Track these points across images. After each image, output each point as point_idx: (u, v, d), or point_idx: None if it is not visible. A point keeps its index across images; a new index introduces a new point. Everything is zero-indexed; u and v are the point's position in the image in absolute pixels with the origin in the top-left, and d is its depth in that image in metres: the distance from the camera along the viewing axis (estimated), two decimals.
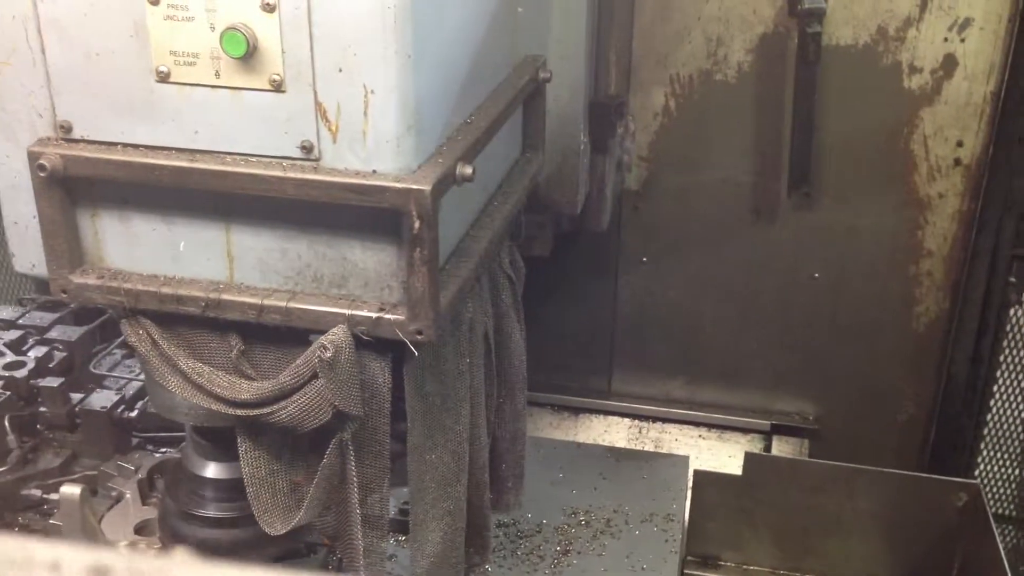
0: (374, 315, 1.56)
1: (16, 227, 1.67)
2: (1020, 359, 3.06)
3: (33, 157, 1.53)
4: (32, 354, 2.58)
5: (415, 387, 1.70)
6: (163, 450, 2.47)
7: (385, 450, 1.71)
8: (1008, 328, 3.01)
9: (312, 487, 1.68)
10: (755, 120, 2.96)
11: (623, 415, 3.45)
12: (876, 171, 2.95)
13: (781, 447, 3.26)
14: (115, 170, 1.54)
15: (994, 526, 2.60)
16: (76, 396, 2.51)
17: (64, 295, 1.63)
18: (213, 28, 1.45)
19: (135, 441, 2.51)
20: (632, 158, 2.97)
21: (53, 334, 2.69)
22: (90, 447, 2.47)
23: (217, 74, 1.48)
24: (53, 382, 2.48)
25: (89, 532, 2.05)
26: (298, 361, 1.57)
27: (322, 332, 1.56)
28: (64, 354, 2.62)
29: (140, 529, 2.21)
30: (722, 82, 2.94)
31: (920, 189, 2.95)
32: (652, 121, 3.03)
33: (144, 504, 2.27)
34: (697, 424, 3.40)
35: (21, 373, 2.49)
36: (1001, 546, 2.53)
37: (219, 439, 1.86)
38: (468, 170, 1.57)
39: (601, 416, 3.46)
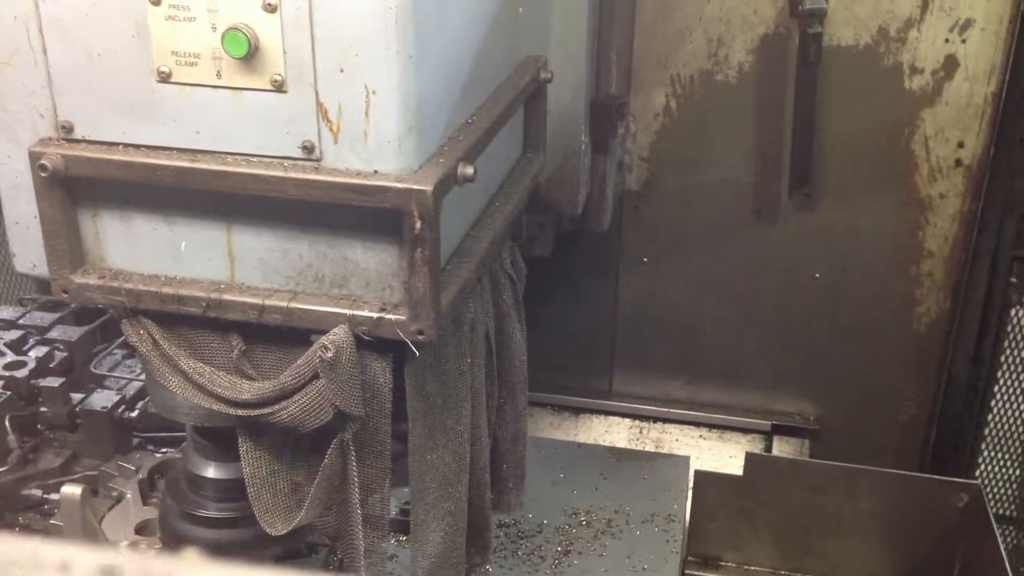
0: (375, 315, 1.56)
1: (17, 227, 1.67)
2: (1021, 360, 3.06)
3: (34, 157, 1.53)
4: (33, 354, 2.58)
5: (416, 387, 1.70)
6: (164, 450, 2.47)
7: (386, 450, 1.71)
8: (1009, 329, 3.01)
9: (313, 487, 1.68)
10: (756, 120, 2.96)
11: (624, 415, 3.45)
12: (877, 172, 2.95)
13: (782, 447, 3.27)
14: (116, 170, 1.53)
15: (995, 526, 2.60)
16: (77, 396, 2.50)
17: (65, 295, 1.63)
18: (214, 28, 1.45)
19: (136, 441, 2.51)
20: (633, 158, 2.97)
21: (54, 334, 2.69)
22: (91, 447, 2.46)
23: (218, 74, 1.48)
24: (54, 382, 2.47)
25: (90, 532, 2.05)
26: (299, 361, 1.57)
27: (323, 332, 1.56)
28: (65, 354, 2.62)
29: (141, 529, 2.21)
30: (723, 82, 2.94)
31: (921, 190, 2.95)
32: (653, 121, 3.03)
33: (145, 504, 2.27)
34: (698, 424, 3.40)
35: (22, 373, 2.49)
36: (1002, 546, 2.53)
37: (220, 439, 1.86)
38: (469, 170, 1.57)
39: (602, 416, 3.46)
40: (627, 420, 3.44)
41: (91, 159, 1.53)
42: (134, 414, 2.47)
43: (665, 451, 3.23)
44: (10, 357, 2.56)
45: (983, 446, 3.17)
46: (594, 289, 3.30)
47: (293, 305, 1.58)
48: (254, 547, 1.90)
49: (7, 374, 2.48)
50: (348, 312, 1.56)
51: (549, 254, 2.64)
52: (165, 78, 1.50)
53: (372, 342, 1.58)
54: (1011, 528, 3.19)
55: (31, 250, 1.67)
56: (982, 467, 3.19)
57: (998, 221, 2.90)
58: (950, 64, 2.80)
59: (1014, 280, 2.94)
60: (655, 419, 3.43)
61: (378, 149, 1.48)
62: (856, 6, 2.79)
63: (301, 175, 1.49)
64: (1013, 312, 2.99)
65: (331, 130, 1.49)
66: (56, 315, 2.77)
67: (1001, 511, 3.20)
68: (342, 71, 1.45)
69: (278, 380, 1.59)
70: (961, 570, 2.76)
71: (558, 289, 3.27)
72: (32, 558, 0.47)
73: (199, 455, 1.93)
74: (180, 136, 1.53)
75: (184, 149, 1.53)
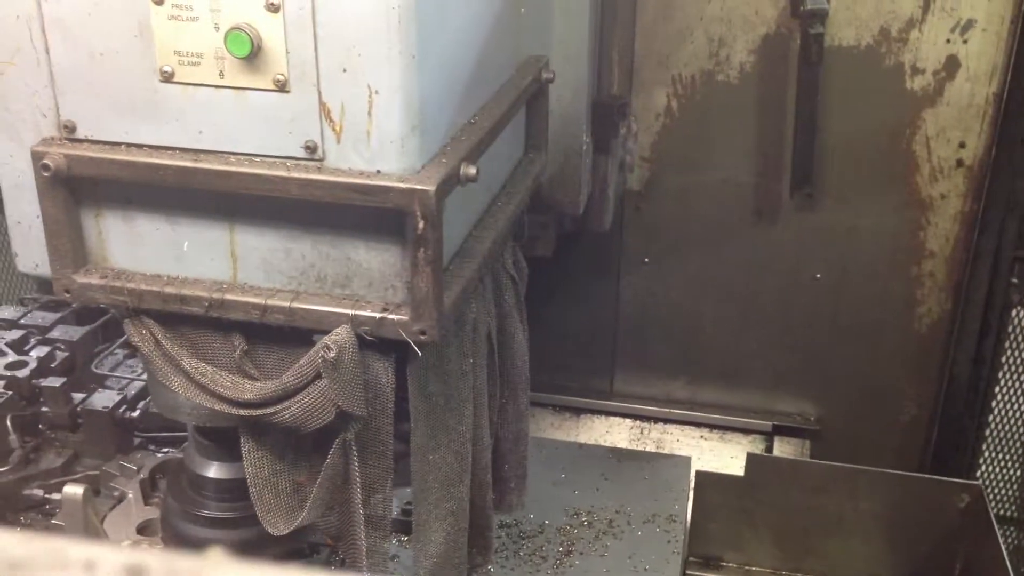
0: (378, 315, 1.56)
1: (19, 227, 1.67)
2: (1022, 360, 3.06)
3: (37, 157, 1.53)
4: (34, 354, 2.58)
5: (418, 387, 1.70)
6: (165, 450, 2.47)
7: (388, 450, 1.71)
8: (1010, 329, 3.01)
9: (315, 487, 1.68)
10: (757, 121, 2.96)
11: (625, 416, 3.45)
12: (878, 172, 2.95)
13: (783, 448, 3.26)
14: (119, 170, 1.53)
15: (996, 527, 2.60)
16: (78, 396, 2.51)
17: (67, 295, 1.63)
18: (217, 28, 1.45)
19: (137, 441, 2.51)
20: (634, 159, 2.96)
21: (55, 334, 2.69)
22: (92, 447, 2.47)
23: (221, 74, 1.48)
24: (55, 382, 2.48)
25: (91, 532, 2.05)
26: (301, 361, 1.57)
27: (326, 332, 1.56)
28: (66, 354, 2.62)
29: (142, 529, 2.21)
30: (724, 83, 2.94)
31: (922, 190, 2.95)
32: (654, 122, 3.03)
33: (146, 504, 2.27)
34: (699, 425, 3.40)
35: (23, 373, 2.49)
36: (1003, 547, 2.53)
37: (222, 439, 1.86)
38: (472, 170, 1.57)
39: (603, 417, 3.46)
40: (628, 420, 3.44)
41: (94, 159, 1.53)
42: (135, 414, 2.47)
43: (666, 451, 3.23)
44: (11, 357, 2.56)
45: (984, 446, 3.17)
46: (595, 289, 3.30)
47: (295, 305, 1.58)
48: (256, 547, 1.90)
49: (8, 374, 2.48)
50: (351, 312, 1.56)
51: (550, 254, 2.64)
52: (168, 78, 1.50)
53: (374, 342, 1.58)
54: (1012, 529, 3.19)
55: (33, 250, 1.67)
56: (983, 467, 3.19)
57: (999, 222, 2.90)
58: (951, 64, 2.80)
59: (1015, 280, 2.94)
60: (656, 419, 3.43)
61: (381, 149, 1.48)
62: (857, 6, 2.79)
63: (304, 175, 1.49)
64: (1014, 312, 2.99)
65: (334, 130, 1.49)
66: (57, 315, 2.78)
67: (1002, 512, 3.20)
68: (345, 71, 1.45)
69: (280, 380, 1.59)
70: (962, 571, 2.76)
71: (559, 289, 3.27)
72: (57, 557, 0.46)
73: (201, 455, 1.94)
74: (183, 136, 1.53)
75: (187, 149, 1.53)
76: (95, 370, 2.62)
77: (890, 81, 2.85)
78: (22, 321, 2.75)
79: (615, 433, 3.39)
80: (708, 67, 2.94)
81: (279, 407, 1.59)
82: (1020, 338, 3.03)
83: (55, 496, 2.30)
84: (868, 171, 2.95)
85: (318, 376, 1.55)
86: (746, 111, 2.95)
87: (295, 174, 1.49)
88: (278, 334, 1.63)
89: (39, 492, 2.36)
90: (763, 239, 3.10)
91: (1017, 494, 3.19)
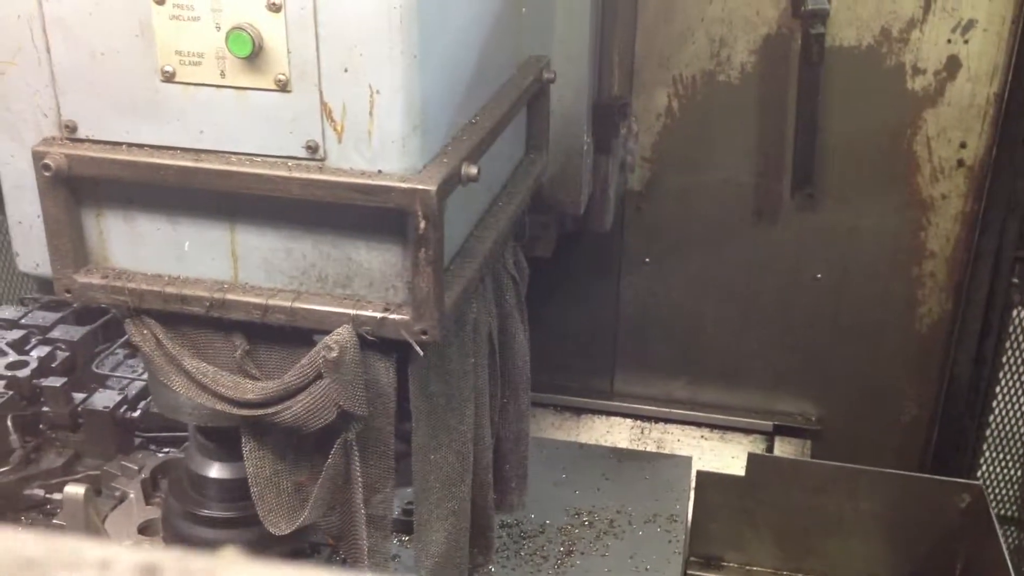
0: (379, 315, 1.56)
1: (20, 226, 1.67)
2: (1022, 360, 3.06)
3: (38, 157, 1.53)
4: (35, 354, 2.58)
5: (420, 387, 1.70)
6: (166, 450, 2.47)
7: (390, 450, 1.71)
8: (1011, 329, 3.01)
9: (316, 487, 1.68)
10: (758, 121, 2.96)
11: (625, 415, 3.45)
12: (879, 172, 2.95)
13: (783, 448, 3.26)
14: (120, 170, 1.53)
15: (997, 527, 2.60)
16: (79, 396, 2.51)
17: (68, 295, 1.63)
18: (219, 28, 1.45)
19: (138, 441, 2.51)
20: (635, 159, 2.96)
21: (55, 334, 2.69)
22: (93, 447, 2.47)
23: (222, 74, 1.48)
24: (56, 382, 2.47)
25: (93, 532, 2.05)
26: (303, 361, 1.57)
27: (327, 332, 1.56)
28: (67, 354, 2.62)
29: (144, 529, 2.21)
30: (725, 83, 2.94)
31: (923, 190, 2.95)
32: (655, 122, 3.03)
33: (148, 504, 2.27)
34: (699, 425, 3.40)
35: (24, 373, 2.49)
36: (1004, 547, 2.53)
37: (223, 439, 1.86)
38: (473, 170, 1.57)
39: (603, 416, 3.46)
40: (628, 420, 3.44)
41: (95, 159, 1.53)
42: (136, 414, 2.47)
43: (667, 451, 3.23)
44: (12, 357, 2.56)
45: (985, 447, 3.17)
46: (596, 289, 3.30)
47: (297, 305, 1.58)
48: (257, 547, 1.89)
49: (9, 374, 2.48)
50: (352, 312, 1.56)
51: (551, 254, 2.64)
52: (169, 78, 1.50)
53: (376, 342, 1.58)
54: (1013, 529, 3.19)
55: (34, 250, 1.67)
56: (984, 467, 3.19)
57: (1000, 222, 2.90)
58: (952, 65, 2.80)
59: (1016, 281, 2.94)
60: (657, 419, 3.43)
61: (382, 149, 1.48)
62: (858, 7, 2.79)
63: (305, 175, 1.49)
64: (1015, 313, 2.99)
65: (335, 130, 1.49)
66: (58, 315, 2.78)
67: (1003, 512, 3.20)
68: (346, 71, 1.45)
69: (282, 380, 1.59)
70: (963, 571, 2.76)
71: (560, 289, 3.27)
72: (71, 556, 0.46)
73: (202, 455, 1.94)
74: (184, 136, 1.53)
75: (188, 149, 1.53)
76: (96, 370, 2.62)
77: (891, 81, 2.85)
78: (23, 321, 2.75)
79: (616, 433, 3.39)
80: (709, 67, 2.94)
81: (280, 407, 1.59)
82: (1021, 338, 3.03)
83: (56, 496, 2.30)
84: (869, 171, 2.95)
85: (319, 376, 1.55)
86: (747, 111, 2.95)
87: (296, 174, 1.49)
88: (279, 334, 1.63)
89: (40, 492, 2.36)
90: (764, 239, 3.10)
91: (1018, 494, 3.19)
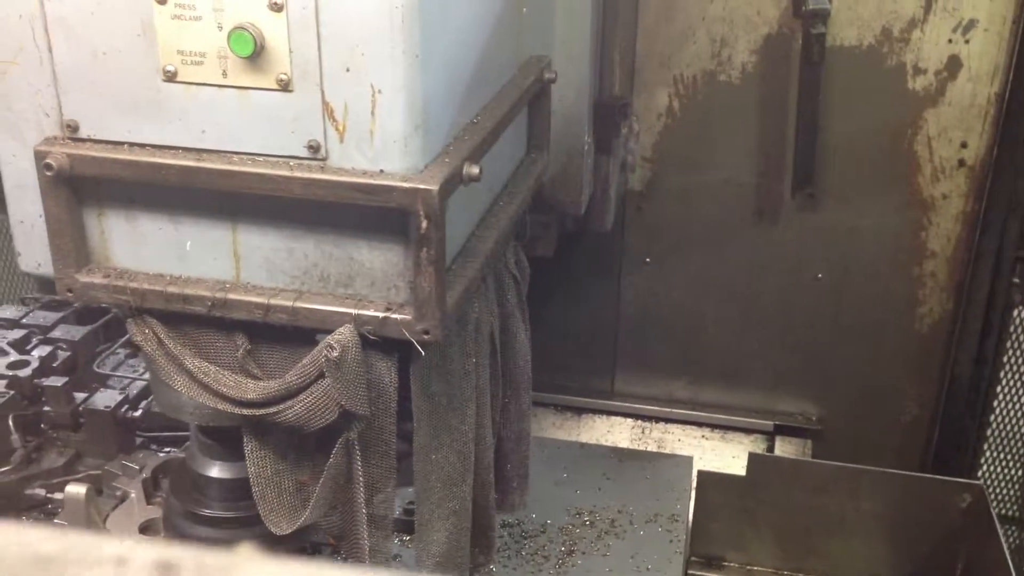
0: (381, 315, 1.56)
1: (22, 226, 1.67)
2: (1023, 360, 3.06)
3: (40, 156, 1.53)
4: (36, 353, 2.59)
5: (421, 387, 1.70)
6: (167, 450, 2.47)
7: (391, 450, 1.71)
8: (1012, 329, 3.01)
9: (318, 487, 1.68)
10: (759, 121, 2.96)
11: (626, 415, 3.45)
12: (880, 172, 2.95)
13: (784, 448, 3.26)
14: (122, 169, 1.54)
15: (999, 527, 2.60)
16: (80, 395, 2.51)
17: (70, 294, 1.63)
18: (220, 27, 1.45)
19: (139, 441, 2.51)
20: (636, 159, 2.96)
21: (57, 333, 2.69)
22: (94, 446, 2.47)
23: (224, 73, 1.48)
24: (57, 381, 2.48)
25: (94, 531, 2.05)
26: (305, 360, 1.57)
27: (328, 332, 1.56)
28: (68, 353, 2.62)
29: (145, 529, 2.21)
30: (726, 83, 2.94)
31: (924, 190, 2.95)
32: (656, 122, 3.03)
33: (149, 504, 2.27)
34: (700, 425, 3.40)
35: (25, 372, 2.49)
36: (1006, 547, 2.53)
37: (224, 439, 1.86)
38: (475, 170, 1.57)
39: (604, 416, 3.46)
40: (629, 420, 3.44)
41: (96, 158, 1.53)
42: (137, 413, 2.47)
43: (667, 451, 3.23)
44: (13, 356, 2.56)
45: (985, 446, 3.17)
46: (596, 289, 3.30)
47: (298, 304, 1.58)
48: (258, 547, 1.89)
49: (10, 373, 2.49)
50: (353, 312, 1.56)
51: (552, 254, 2.64)
52: (171, 77, 1.50)
53: (377, 342, 1.58)
54: (1014, 529, 3.19)
55: (36, 249, 1.67)
56: (984, 467, 3.19)
57: (1001, 222, 2.90)
58: (953, 64, 2.80)
59: (1017, 280, 2.94)
60: (657, 419, 3.43)
61: (384, 148, 1.48)
62: (859, 6, 2.79)
63: (307, 174, 1.49)
64: (1016, 313, 2.99)
65: (337, 129, 1.49)
66: (59, 314, 2.78)
67: (1004, 511, 3.20)
68: (348, 70, 1.45)
69: (283, 379, 1.59)
70: (964, 571, 2.76)
71: (560, 289, 3.27)
72: (88, 553, 0.47)
73: (203, 454, 1.93)
74: (185, 135, 1.53)
75: (189, 148, 1.53)
76: (97, 370, 2.62)
77: (892, 81, 2.85)
78: (24, 320, 2.75)
79: (616, 433, 3.39)
80: (710, 67, 2.94)
81: (282, 406, 1.59)
82: (1022, 338, 3.03)
83: (57, 496, 2.30)
84: (870, 171, 2.95)
85: (321, 375, 1.56)
86: (748, 111, 2.95)
87: (298, 174, 1.49)
88: (281, 333, 1.63)
89: (41, 492, 2.36)
90: (764, 239, 3.10)
91: (1019, 494, 3.19)
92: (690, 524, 2.79)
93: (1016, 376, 3.07)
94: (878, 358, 3.18)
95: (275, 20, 1.44)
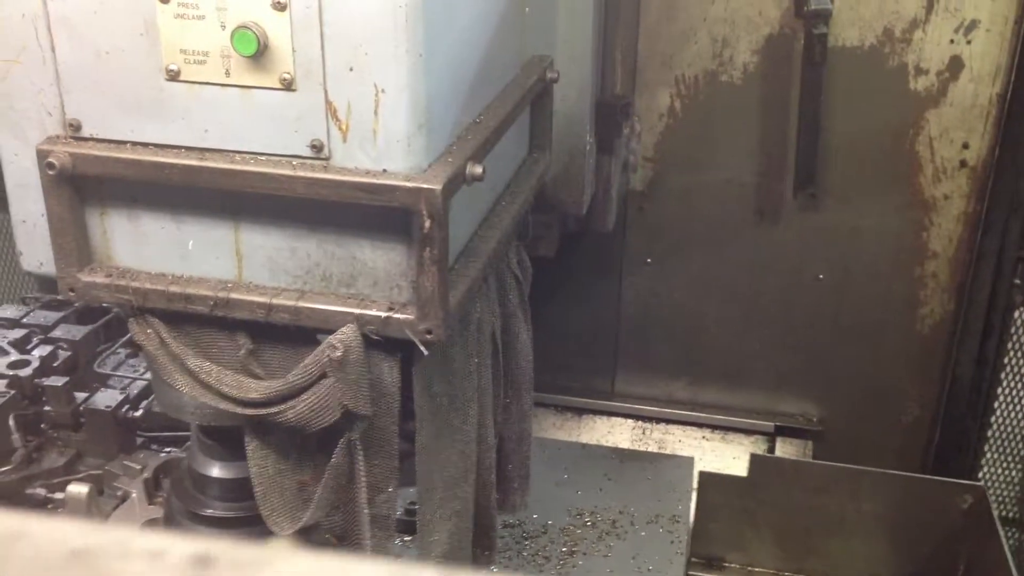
0: (383, 314, 1.55)
1: (24, 225, 1.67)
2: None
3: (42, 155, 1.53)
4: (36, 353, 2.58)
5: (424, 387, 1.70)
6: (168, 449, 2.47)
7: (393, 450, 1.71)
8: (1013, 330, 3.01)
9: (320, 487, 1.68)
10: (760, 121, 2.96)
11: (626, 416, 3.45)
12: (881, 172, 2.95)
13: (785, 448, 3.26)
14: (124, 168, 1.53)
15: (1000, 528, 2.60)
16: (80, 395, 2.50)
17: (72, 294, 1.63)
18: (224, 27, 1.45)
19: (139, 440, 2.51)
20: (637, 159, 2.96)
21: (57, 333, 2.69)
22: (94, 446, 2.46)
23: (227, 73, 1.48)
24: (57, 381, 2.47)
25: None
26: (307, 360, 1.57)
27: (331, 331, 1.56)
28: (68, 353, 2.62)
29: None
30: (727, 83, 2.94)
31: (925, 191, 2.95)
32: (657, 122, 3.03)
33: (150, 504, 2.27)
34: (701, 425, 3.39)
35: (25, 372, 2.49)
36: (1007, 548, 2.53)
37: (226, 439, 1.86)
38: (478, 169, 1.57)
39: (604, 417, 3.45)
40: (630, 421, 3.44)
41: (99, 157, 1.53)
42: (138, 413, 2.47)
43: (668, 452, 3.23)
44: (14, 356, 2.56)
45: (986, 447, 3.17)
46: (597, 289, 3.30)
47: (301, 304, 1.57)
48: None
49: (11, 373, 2.48)
50: (356, 311, 1.56)
51: (553, 254, 2.64)
52: (174, 76, 1.49)
53: (380, 341, 1.58)
54: (1015, 530, 3.18)
55: (38, 248, 1.66)
56: (985, 468, 3.18)
57: (1003, 222, 2.90)
58: (955, 65, 2.80)
59: (1018, 281, 2.93)
60: (658, 420, 3.42)
61: (387, 148, 1.48)
62: (861, 7, 2.79)
63: (310, 174, 1.49)
64: (1017, 313, 2.99)
65: (340, 129, 1.49)
66: (60, 314, 2.77)
67: (1005, 513, 3.20)
68: (351, 70, 1.45)
69: (286, 379, 1.59)
70: (965, 572, 2.76)
71: (561, 289, 3.27)
72: (123, 546, 0.46)
73: (205, 454, 1.93)
74: (188, 134, 1.53)
75: (192, 147, 1.53)
76: (97, 369, 2.62)
77: (893, 81, 2.84)
78: (24, 320, 2.75)
79: (617, 433, 3.38)
80: (711, 67, 2.94)
81: (284, 406, 1.59)
82: (1023, 339, 3.03)
83: (58, 495, 2.30)
84: (871, 171, 2.95)
85: (324, 375, 1.55)
86: (749, 111, 2.95)
87: (301, 173, 1.49)
88: (283, 333, 1.63)
89: (42, 491, 2.35)
90: (766, 239, 3.10)
91: (1020, 495, 3.19)
92: (691, 525, 2.79)
93: (1017, 377, 3.07)
94: (879, 359, 3.17)
95: (278, 19, 1.44)
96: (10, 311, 2.80)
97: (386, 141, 1.48)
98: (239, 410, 1.62)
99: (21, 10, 1.50)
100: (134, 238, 1.63)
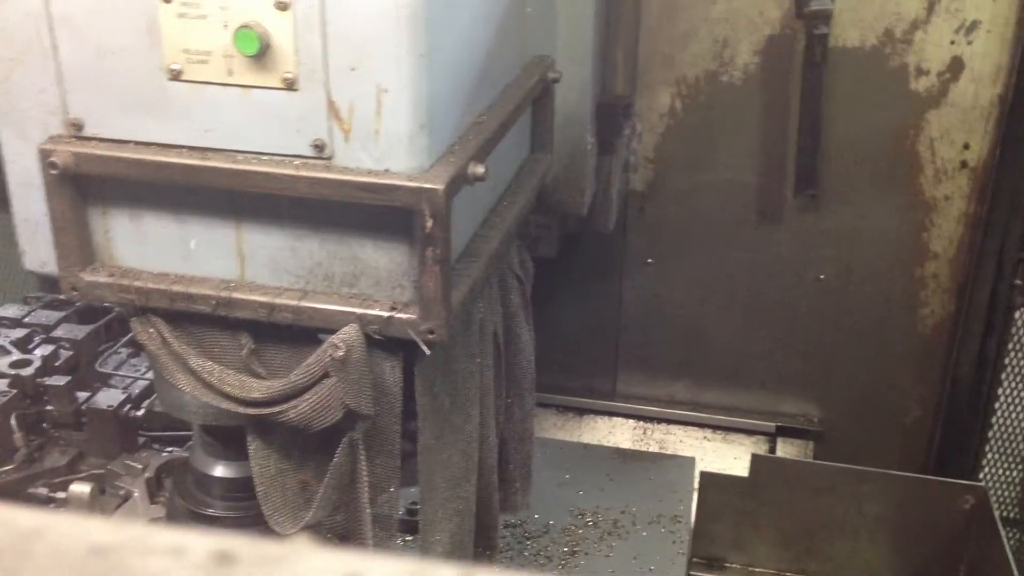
0: (385, 314, 1.55)
1: (26, 225, 1.67)
2: None
3: (44, 155, 1.53)
4: (38, 352, 2.59)
5: (426, 387, 1.70)
6: (169, 449, 2.47)
7: (395, 449, 1.71)
8: (1014, 331, 3.01)
9: (322, 487, 1.68)
10: (761, 122, 2.96)
11: (627, 416, 3.45)
12: (882, 173, 2.95)
13: (786, 449, 3.26)
14: (126, 168, 1.53)
15: (1001, 529, 2.60)
16: (82, 395, 2.51)
17: (74, 293, 1.63)
18: (226, 26, 1.45)
19: (141, 440, 2.51)
20: (638, 159, 2.96)
21: (59, 332, 2.69)
22: (96, 446, 2.47)
23: (229, 72, 1.48)
24: (59, 380, 2.48)
25: None
26: (309, 360, 1.57)
27: (333, 331, 1.56)
28: (70, 352, 2.62)
29: None
30: (728, 84, 2.94)
31: (926, 191, 2.95)
32: (658, 122, 3.03)
33: (152, 503, 2.27)
34: (702, 426, 3.39)
35: (27, 371, 2.49)
36: (1008, 549, 2.53)
37: (228, 438, 1.86)
38: (480, 169, 1.57)
39: (605, 417, 3.46)
40: (631, 421, 3.44)
41: (101, 157, 1.53)
42: (140, 413, 2.47)
43: (669, 452, 3.23)
44: (16, 355, 2.56)
45: (987, 448, 3.17)
46: (598, 290, 3.30)
47: (303, 304, 1.58)
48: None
49: (13, 372, 2.48)
50: (358, 311, 1.56)
51: (554, 254, 2.64)
52: (176, 76, 1.50)
53: (382, 341, 1.58)
54: (1016, 531, 3.18)
55: (40, 248, 1.66)
56: (986, 469, 3.18)
57: (1003, 223, 2.90)
58: (956, 66, 2.80)
59: (1019, 282, 2.93)
60: (659, 420, 3.43)
61: (389, 148, 1.48)
62: (862, 7, 2.79)
63: (312, 173, 1.49)
64: (1018, 314, 2.99)
65: (342, 128, 1.49)
66: (61, 313, 2.78)
67: (1007, 513, 3.20)
68: (354, 69, 1.45)
69: (288, 379, 1.59)
70: (967, 573, 2.76)
71: (562, 289, 3.27)
72: (145, 543, 0.46)
73: (207, 454, 1.93)
74: (190, 134, 1.53)
75: (194, 147, 1.53)
76: (99, 369, 2.63)
77: (894, 82, 2.85)
78: (26, 320, 2.75)
79: (618, 434, 3.39)
80: (712, 68, 2.94)
81: (287, 406, 1.59)
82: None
83: (60, 495, 2.30)
84: (872, 172, 2.95)
85: (326, 375, 1.55)
86: (750, 112, 2.95)
87: (303, 172, 1.49)
88: (285, 333, 1.63)
89: (43, 491, 2.36)
90: (767, 240, 3.10)
91: (1021, 496, 3.19)
92: (692, 525, 2.79)
93: (1018, 378, 3.07)
94: (880, 359, 3.18)
95: (281, 19, 1.44)
96: (12, 310, 2.80)
97: (388, 141, 1.48)
98: (241, 410, 1.62)
99: (23, 9, 1.51)
100: (136, 237, 1.63)
